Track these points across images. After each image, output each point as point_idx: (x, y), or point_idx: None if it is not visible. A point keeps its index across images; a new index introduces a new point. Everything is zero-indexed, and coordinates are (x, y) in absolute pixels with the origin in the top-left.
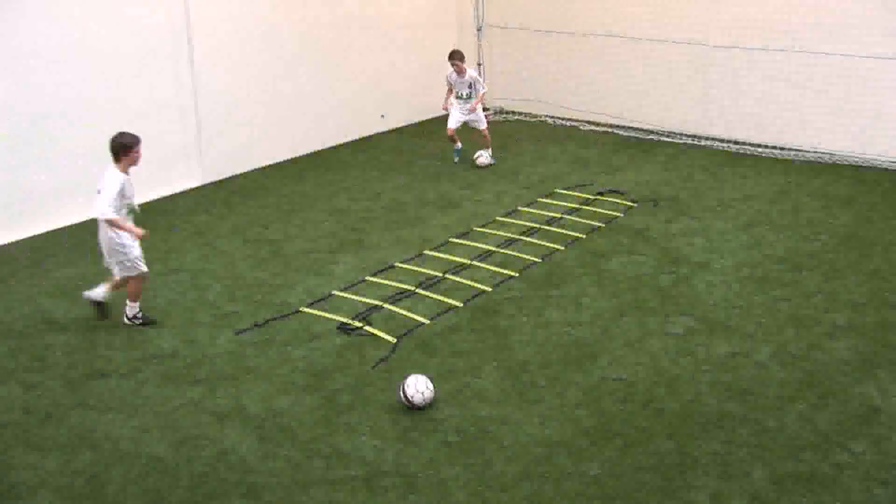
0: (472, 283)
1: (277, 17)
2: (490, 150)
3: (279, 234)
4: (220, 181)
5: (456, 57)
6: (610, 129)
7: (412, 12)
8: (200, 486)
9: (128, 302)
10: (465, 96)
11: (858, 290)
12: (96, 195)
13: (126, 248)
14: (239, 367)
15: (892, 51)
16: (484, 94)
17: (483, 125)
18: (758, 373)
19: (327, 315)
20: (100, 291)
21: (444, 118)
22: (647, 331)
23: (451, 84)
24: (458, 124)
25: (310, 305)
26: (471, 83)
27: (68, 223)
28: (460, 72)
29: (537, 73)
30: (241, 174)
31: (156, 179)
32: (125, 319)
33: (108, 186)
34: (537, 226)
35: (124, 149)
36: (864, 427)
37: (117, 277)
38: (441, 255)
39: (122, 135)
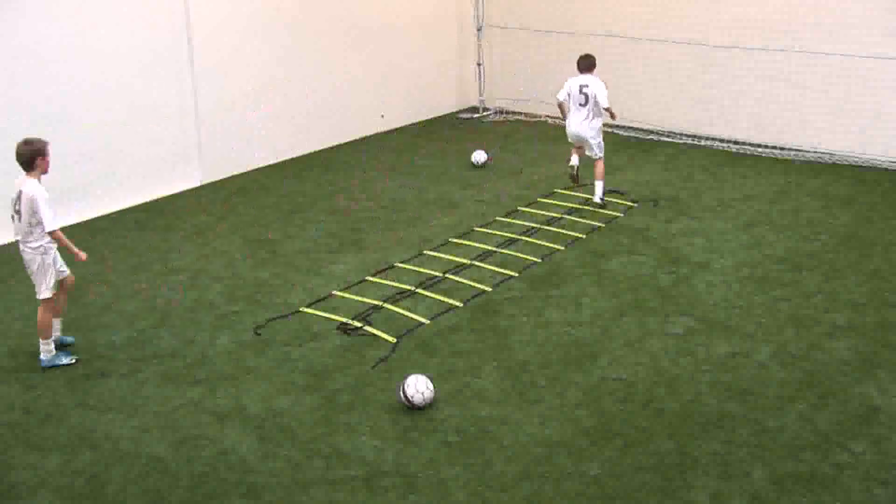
0: (472, 283)
1: (277, 17)
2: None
3: (279, 234)
4: (220, 181)
5: None
6: (610, 129)
7: (412, 12)
8: (200, 486)
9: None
10: None
11: (858, 290)
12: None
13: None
14: (239, 367)
15: (892, 51)
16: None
17: None
18: (758, 373)
19: (327, 315)
20: (574, 160)
21: (443, 119)
22: (647, 331)
23: None
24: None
25: (310, 305)
26: None
27: (68, 223)
28: None
29: (537, 73)
30: (241, 174)
31: (156, 179)
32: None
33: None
34: (537, 226)
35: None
36: (864, 427)
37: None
38: (441, 255)
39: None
